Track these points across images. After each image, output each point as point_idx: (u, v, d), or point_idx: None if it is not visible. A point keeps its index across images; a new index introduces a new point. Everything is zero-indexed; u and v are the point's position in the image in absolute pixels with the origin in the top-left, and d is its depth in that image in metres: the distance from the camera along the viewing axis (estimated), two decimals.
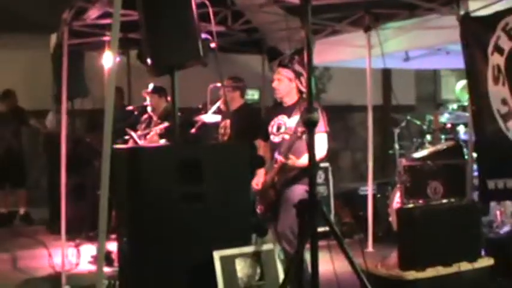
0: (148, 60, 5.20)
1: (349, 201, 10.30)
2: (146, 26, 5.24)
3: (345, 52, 10.06)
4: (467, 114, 8.16)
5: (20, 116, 11.95)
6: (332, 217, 9.41)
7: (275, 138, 6.64)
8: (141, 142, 7.73)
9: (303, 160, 6.04)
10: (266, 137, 6.78)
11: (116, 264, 7.09)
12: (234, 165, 5.31)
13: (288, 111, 6.59)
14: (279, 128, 6.62)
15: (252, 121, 7.73)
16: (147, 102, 8.77)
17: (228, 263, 4.95)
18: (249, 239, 5.40)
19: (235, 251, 5.02)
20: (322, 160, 6.69)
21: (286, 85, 6.59)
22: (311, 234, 4.30)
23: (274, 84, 6.66)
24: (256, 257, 5.08)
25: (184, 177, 4.96)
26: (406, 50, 10.18)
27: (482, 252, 6.35)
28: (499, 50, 7.00)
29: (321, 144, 6.24)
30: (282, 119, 6.62)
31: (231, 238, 5.09)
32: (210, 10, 5.62)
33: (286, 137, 6.46)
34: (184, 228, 4.96)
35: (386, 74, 14.74)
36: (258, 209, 6.62)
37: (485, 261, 6.19)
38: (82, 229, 9.19)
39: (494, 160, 7.18)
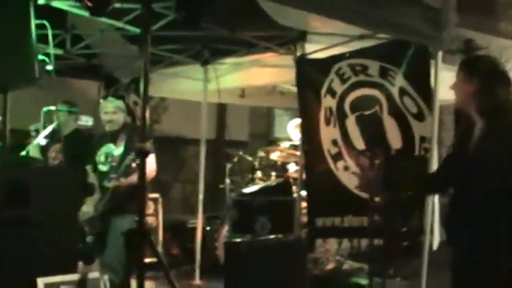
0: None
1: (178, 233, 10.27)
2: None
3: (182, 84, 10.09)
4: (298, 153, 8.35)
5: None
6: (160, 248, 9.38)
7: (103, 168, 6.68)
8: None
9: (133, 177, 6.03)
10: (94, 168, 6.81)
11: None
12: (64, 190, 5.18)
13: (113, 138, 6.67)
14: (106, 157, 6.69)
15: (84, 147, 7.64)
16: None
17: None
18: (75, 267, 5.27)
19: (60, 278, 4.89)
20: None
21: (121, 116, 6.72)
22: (138, 265, 4.28)
23: (113, 117, 6.68)
24: (82, 285, 4.98)
25: (10, 201, 4.80)
26: (242, 87, 10.35)
27: None
28: (331, 92, 7.25)
29: (151, 163, 6.28)
30: (109, 148, 6.68)
31: (57, 265, 4.96)
32: (49, 32, 5.51)
33: (114, 164, 6.55)
34: (7, 253, 4.78)
35: (221, 109, 14.89)
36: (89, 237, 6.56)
37: None
38: None
39: (323, 199, 7.40)
